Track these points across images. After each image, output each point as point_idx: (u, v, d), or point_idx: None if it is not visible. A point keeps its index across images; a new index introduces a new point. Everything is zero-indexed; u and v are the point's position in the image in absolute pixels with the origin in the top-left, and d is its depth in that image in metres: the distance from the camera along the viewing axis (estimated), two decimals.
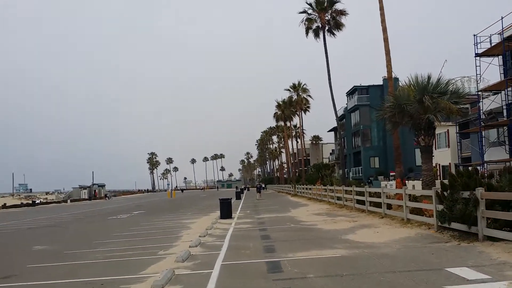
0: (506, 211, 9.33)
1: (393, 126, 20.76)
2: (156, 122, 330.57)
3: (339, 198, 25.17)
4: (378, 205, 17.87)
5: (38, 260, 11.76)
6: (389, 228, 13.71)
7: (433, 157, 20.47)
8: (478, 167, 20.07)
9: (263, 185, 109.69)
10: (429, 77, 19.04)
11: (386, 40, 25.47)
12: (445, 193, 10.94)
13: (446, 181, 12.14)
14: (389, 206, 17.53)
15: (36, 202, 66.06)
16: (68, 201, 72.40)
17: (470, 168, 11.26)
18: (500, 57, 24.95)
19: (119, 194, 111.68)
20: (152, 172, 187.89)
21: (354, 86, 58.40)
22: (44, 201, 72.86)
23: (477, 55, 24.54)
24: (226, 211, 21.20)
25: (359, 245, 10.77)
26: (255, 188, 59.21)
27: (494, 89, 24.17)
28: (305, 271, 8.06)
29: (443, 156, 37.81)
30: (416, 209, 14.43)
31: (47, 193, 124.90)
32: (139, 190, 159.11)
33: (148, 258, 10.87)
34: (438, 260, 8.28)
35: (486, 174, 11.05)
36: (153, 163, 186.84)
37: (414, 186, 29.42)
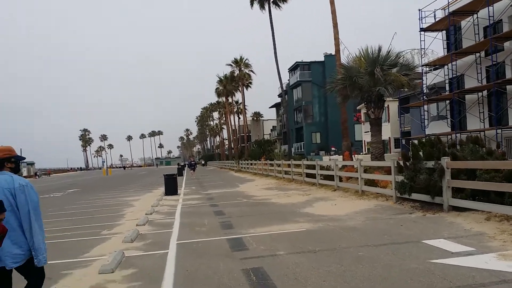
0: (471, 180, 9.13)
1: (343, 99, 20.48)
2: (89, 99, 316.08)
3: (286, 173, 24.80)
4: (330, 178, 17.58)
5: None
6: (346, 201, 13.37)
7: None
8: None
9: (202, 161, 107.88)
10: (379, 49, 18.85)
11: (334, 12, 24.99)
12: (407, 163, 10.62)
13: (396, 152, 11.92)
14: (340, 179, 17.30)
15: None
16: None
17: (433, 138, 11.02)
18: (444, 32, 25.41)
19: (50, 173, 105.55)
20: (85, 150, 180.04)
21: (296, 62, 58.28)
22: None
23: (421, 29, 24.79)
24: (171, 187, 20.08)
25: (322, 218, 10.23)
26: (187, 166, 48.95)
27: (437, 63, 24.63)
28: (273, 247, 7.33)
29: (383, 131, 38.67)
30: (369, 180, 14.22)
31: None
32: (71, 169, 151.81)
33: (90, 239, 9.67)
34: (410, 232, 7.87)
35: (447, 144, 10.86)
36: (86, 140, 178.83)
37: (358, 158, 29.76)
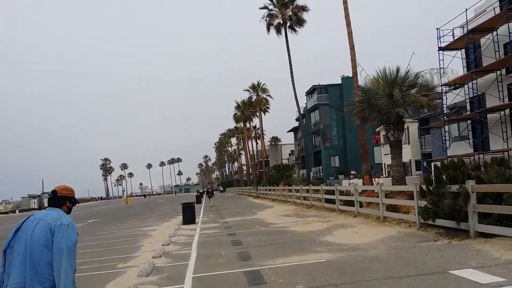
0: (498, 205, 8.71)
1: (361, 122, 20.19)
2: (109, 128, 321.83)
3: (305, 198, 24.37)
4: (350, 203, 17.14)
5: None
6: (367, 227, 12.94)
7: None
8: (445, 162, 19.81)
9: (221, 188, 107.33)
10: (397, 70, 18.61)
11: (350, 34, 25.00)
12: (430, 187, 10.24)
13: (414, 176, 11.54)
14: (360, 204, 16.85)
15: None
16: (17, 211, 68.39)
17: (456, 159, 10.63)
18: (463, 50, 25.02)
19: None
20: (105, 179, 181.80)
21: (313, 86, 58.32)
22: None
23: (440, 48, 24.47)
24: (189, 216, 19.87)
25: (342, 247, 9.87)
26: (205, 193, 46.58)
27: (457, 82, 24.15)
28: (292, 281, 7.03)
29: (403, 153, 37.99)
30: (391, 206, 13.77)
31: None
32: (91, 198, 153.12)
33: (105, 272, 9.51)
34: (436, 261, 7.47)
35: (470, 166, 10.46)
36: (106, 169, 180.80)
37: (378, 183, 29.18)
